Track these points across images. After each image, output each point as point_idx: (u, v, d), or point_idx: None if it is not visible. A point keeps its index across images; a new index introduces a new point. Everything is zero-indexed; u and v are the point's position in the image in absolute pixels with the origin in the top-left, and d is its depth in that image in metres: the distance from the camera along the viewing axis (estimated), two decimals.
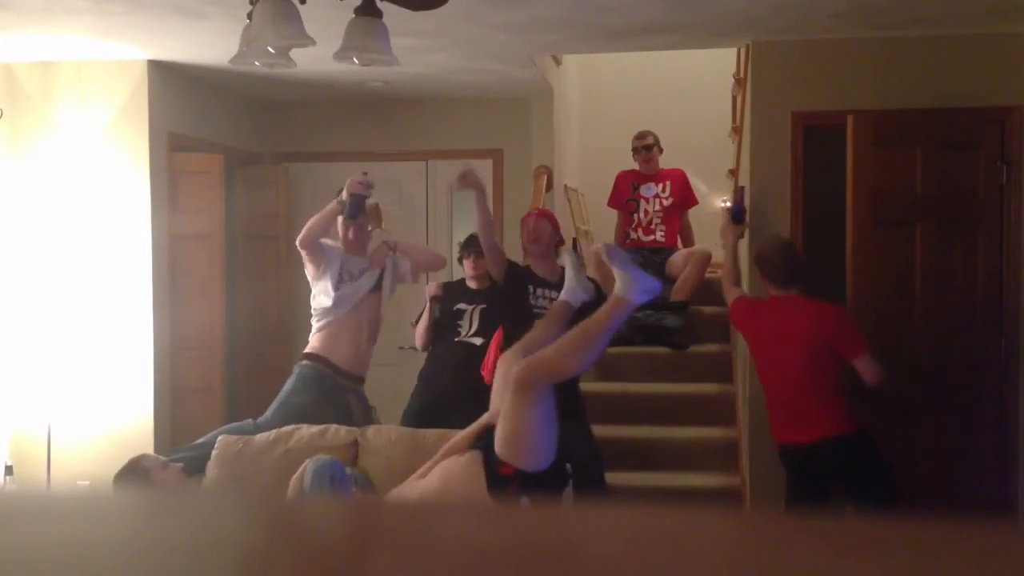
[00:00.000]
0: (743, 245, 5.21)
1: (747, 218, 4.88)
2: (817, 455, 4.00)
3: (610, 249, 3.59)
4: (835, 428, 3.97)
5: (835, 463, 3.99)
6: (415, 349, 5.16)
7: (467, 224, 5.67)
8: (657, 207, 6.30)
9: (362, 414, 4.48)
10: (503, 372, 3.40)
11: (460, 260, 4.94)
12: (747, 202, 4.97)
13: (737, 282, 4.52)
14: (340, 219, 4.45)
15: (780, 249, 4.27)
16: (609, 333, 3.29)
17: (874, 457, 4.02)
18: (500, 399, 3.30)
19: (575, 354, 3.21)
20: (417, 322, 4.93)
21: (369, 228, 4.53)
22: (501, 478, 2.98)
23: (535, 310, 4.06)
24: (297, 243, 4.40)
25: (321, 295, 4.43)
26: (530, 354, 3.30)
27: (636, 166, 6.43)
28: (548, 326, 3.60)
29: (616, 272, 3.38)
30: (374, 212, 4.48)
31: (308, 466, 3.49)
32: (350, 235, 4.48)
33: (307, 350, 4.50)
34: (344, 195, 4.30)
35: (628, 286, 3.28)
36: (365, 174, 4.38)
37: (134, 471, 3.60)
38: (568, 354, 3.21)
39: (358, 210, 4.36)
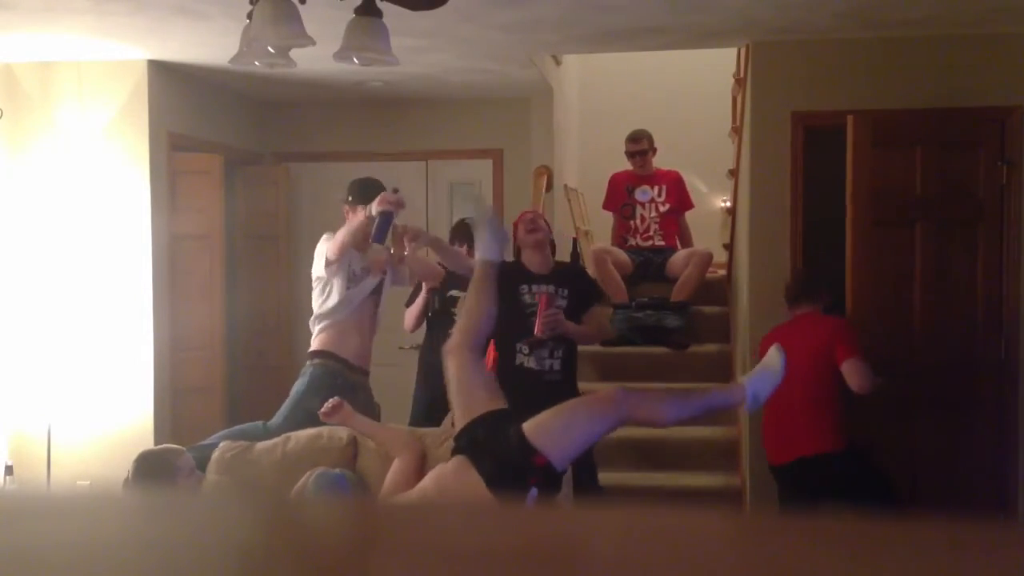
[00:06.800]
0: (743, 251, 5.21)
1: None
2: (801, 474, 4.09)
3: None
4: (816, 447, 4.05)
5: (820, 481, 4.04)
6: (416, 348, 5.15)
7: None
8: (654, 213, 6.27)
9: (369, 413, 4.46)
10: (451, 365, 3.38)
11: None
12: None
13: None
14: (351, 207, 4.35)
15: (793, 274, 4.71)
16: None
17: (866, 473, 4.06)
18: (468, 396, 3.29)
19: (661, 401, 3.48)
20: (408, 303, 4.95)
21: (391, 251, 4.35)
22: (531, 467, 2.96)
23: (528, 309, 4.00)
24: (331, 256, 4.26)
25: (328, 295, 4.39)
26: (473, 334, 3.37)
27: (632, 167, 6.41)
28: (478, 294, 3.52)
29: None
30: (399, 236, 4.23)
31: (310, 480, 3.45)
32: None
33: (315, 348, 4.42)
34: (373, 211, 4.04)
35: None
36: (396, 191, 4.11)
37: (164, 465, 3.47)
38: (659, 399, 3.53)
39: (386, 233, 4.06)
